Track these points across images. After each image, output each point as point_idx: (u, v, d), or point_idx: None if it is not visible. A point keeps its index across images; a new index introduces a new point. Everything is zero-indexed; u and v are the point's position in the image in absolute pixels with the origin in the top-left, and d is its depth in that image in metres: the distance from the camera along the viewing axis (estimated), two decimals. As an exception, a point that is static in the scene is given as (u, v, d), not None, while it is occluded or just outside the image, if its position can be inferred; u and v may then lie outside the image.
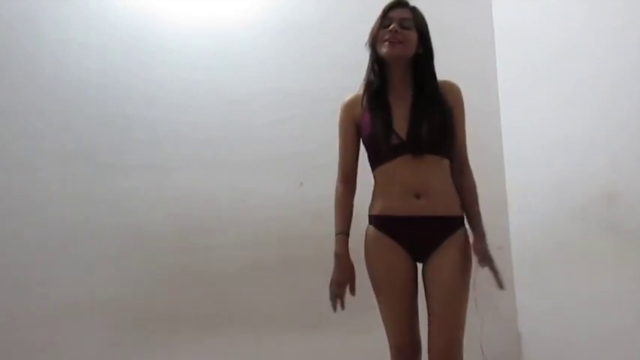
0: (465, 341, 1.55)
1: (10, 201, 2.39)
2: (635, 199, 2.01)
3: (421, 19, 1.65)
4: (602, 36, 2.18)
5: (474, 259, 1.60)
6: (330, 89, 2.27)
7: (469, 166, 1.69)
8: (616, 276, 2.10)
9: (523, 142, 2.73)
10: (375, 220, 1.64)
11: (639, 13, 1.99)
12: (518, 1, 2.80)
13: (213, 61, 2.67)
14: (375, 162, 1.65)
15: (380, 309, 1.62)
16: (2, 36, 2.48)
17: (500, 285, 1.56)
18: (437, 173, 1.60)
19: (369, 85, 1.68)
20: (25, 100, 2.47)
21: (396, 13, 1.61)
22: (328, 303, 1.59)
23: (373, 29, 1.65)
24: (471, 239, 1.63)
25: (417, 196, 1.56)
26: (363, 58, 1.70)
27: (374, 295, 1.63)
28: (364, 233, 1.67)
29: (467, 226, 1.65)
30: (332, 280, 1.61)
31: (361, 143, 1.71)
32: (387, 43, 1.58)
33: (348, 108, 1.70)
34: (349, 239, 1.64)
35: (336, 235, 1.63)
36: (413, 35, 1.60)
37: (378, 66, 1.65)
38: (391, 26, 1.58)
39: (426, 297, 1.59)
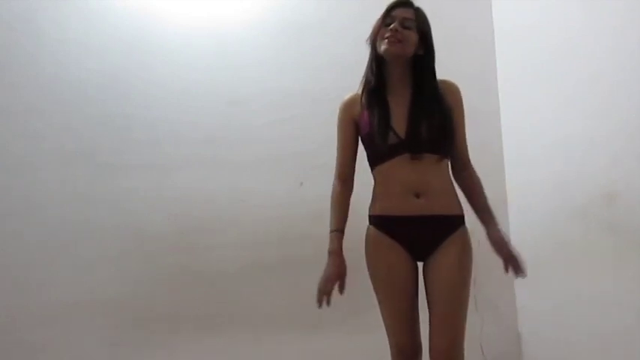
0: (465, 341, 1.55)
1: (10, 201, 2.39)
2: (635, 199, 2.01)
3: (424, 20, 1.65)
4: (602, 36, 2.18)
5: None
6: (330, 89, 2.26)
7: (471, 165, 1.69)
8: (616, 276, 2.10)
9: (523, 142, 2.73)
10: (375, 220, 1.65)
11: (639, 13, 1.99)
12: (518, 1, 2.81)
13: (213, 61, 2.67)
14: (374, 161, 1.65)
15: (380, 309, 1.62)
16: (2, 36, 2.47)
17: (521, 271, 1.55)
18: (436, 172, 1.60)
19: (367, 82, 1.68)
20: (25, 100, 2.46)
21: (399, 13, 1.61)
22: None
23: (375, 27, 1.65)
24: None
25: (417, 196, 1.56)
26: (363, 58, 1.70)
27: (374, 295, 1.63)
28: (364, 233, 1.67)
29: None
30: (322, 276, 1.59)
31: (360, 143, 1.71)
32: (386, 41, 1.58)
33: (347, 107, 1.71)
34: (347, 238, 1.63)
35: (331, 232, 1.63)
36: (413, 35, 1.60)
37: (378, 64, 1.65)
38: (392, 25, 1.59)
39: (426, 296, 1.59)
